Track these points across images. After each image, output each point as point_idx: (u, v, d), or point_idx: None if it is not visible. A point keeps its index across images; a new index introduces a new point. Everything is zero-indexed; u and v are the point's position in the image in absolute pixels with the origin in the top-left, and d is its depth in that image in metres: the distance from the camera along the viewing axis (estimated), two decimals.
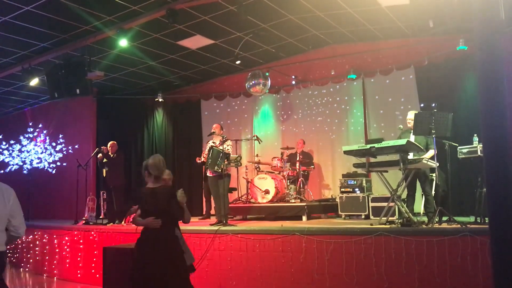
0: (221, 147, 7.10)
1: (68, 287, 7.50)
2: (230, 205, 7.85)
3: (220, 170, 6.87)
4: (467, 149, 5.97)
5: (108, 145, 8.58)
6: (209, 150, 7.21)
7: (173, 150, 11.81)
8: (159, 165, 4.14)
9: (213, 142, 7.45)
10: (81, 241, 7.88)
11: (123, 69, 10.00)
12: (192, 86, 11.66)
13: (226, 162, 6.97)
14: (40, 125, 11.61)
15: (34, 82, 9.00)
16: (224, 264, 6.20)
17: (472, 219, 6.06)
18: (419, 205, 7.13)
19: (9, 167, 11.12)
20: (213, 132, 7.59)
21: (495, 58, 2.65)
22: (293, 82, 10.33)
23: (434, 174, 6.33)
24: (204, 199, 9.93)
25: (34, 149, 11.18)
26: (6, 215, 3.49)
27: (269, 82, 9.33)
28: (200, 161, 9.09)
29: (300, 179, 8.82)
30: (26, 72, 8.56)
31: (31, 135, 11.41)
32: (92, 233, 7.72)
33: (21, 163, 11.09)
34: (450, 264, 4.88)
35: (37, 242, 8.88)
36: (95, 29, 7.67)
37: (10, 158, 11.18)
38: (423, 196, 6.59)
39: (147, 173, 4.16)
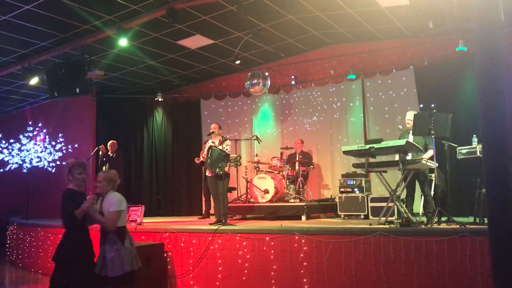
0: (220, 147, 7.10)
1: None
2: (229, 205, 7.86)
3: (221, 172, 6.87)
4: (466, 150, 5.98)
5: (108, 144, 8.59)
6: (208, 150, 7.22)
7: (172, 150, 11.81)
8: (66, 166, 4.26)
9: (212, 142, 7.45)
10: None
11: (123, 69, 10.00)
12: (192, 86, 11.67)
13: (228, 164, 7.00)
14: (40, 124, 11.59)
15: (34, 81, 9.00)
16: (223, 263, 6.20)
17: (471, 219, 6.07)
18: (418, 205, 7.14)
19: (9, 166, 11.10)
20: (213, 131, 7.59)
21: (495, 59, 2.66)
22: (293, 82, 10.33)
23: (433, 175, 6.34)
24: (203, 199, 9.93)
25: (33, 148, 11.16)
26: None
27: (268, 82, 9.34)
28: (198, 162, 9.09)
29: (299, 179, 8.84)
30: (26, 71, 8.57)
31: (30, 134, 11.39)
32: (91, 232, 7.70)
33: (21, 162, 11.07)
34: (449, 264, 4.89)
35: (37, 241, 8.88)
36: (95, 28, 7.67)
37: (10, 157, 11.16)
38: (422, 197, 6.60)
39: None
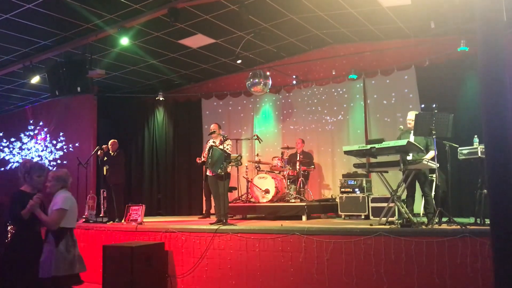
0: (221, 147, 7.10)
1: None
2: (230, 205, 7.86)
3: (222, 173, 6.87)
4: (468, 150, 5.96)
5: (109, 143, 8.58)
6: (209, 150, 7.23)
7: (173, 149, 11.80)
8: (25, 167, 4.25)
9: (213, 142, 7.44)
10: (81, 239, 7.88)
11: (124, 68, 10.00)
12: (193, 85, 11.67)
13: (228, 164, 7.01)
14: (40, 123, 11.61)
15: (35, 80, 8.99)
16: (223, 263, 6.20)
17: (472, 220, 6.05)
18: (419, 205, 7.13)
19: (10, 165, 11.13)
20: (213, 131, 7.58)
21: (497, 59, 2.66)
22: (294, 82, 10.33)
23: (434, 175, 6.33)
24: (204, 198, 9.93)
25: (34, 146, 11.19)
26: None
27: (269, 82, 9.33)
28: (200, 162, 9.09)
29: (300, 179, 8.83)
30: (27, 69, 8.56)
31: (31, 133, 11.41)
32: (92, 231, 7.73)
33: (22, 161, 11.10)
34: (450, 265, 4.88)
35: None
36: (97, 27, 7.67)
37: (11, 156, 11.19)
38: (423, 197, 6.59)
39: None
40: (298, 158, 9.16)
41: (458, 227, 5.21)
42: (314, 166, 9.52)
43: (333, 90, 9.99)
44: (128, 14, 7.30)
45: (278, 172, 9.21)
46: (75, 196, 9.47)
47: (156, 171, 11.72)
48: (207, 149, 7.42)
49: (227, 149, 7.12)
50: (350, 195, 8.02)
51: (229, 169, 7.15)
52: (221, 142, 7.24)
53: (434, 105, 6.03)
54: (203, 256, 6.36)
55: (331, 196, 9.39)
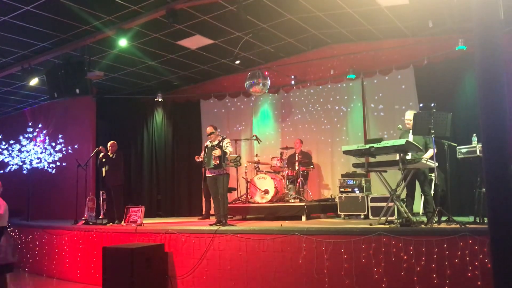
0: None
1: (67, 287, 7.50)
2: (229, 205, 7.86)
3: (217, 163, 6.89)
4: (466, 149, 5.97)
5: (108, 145, 8.57)
6: (204, 151, 7.27)
7: (172, 150, 11.80)
8: None
9: (210, 142, 7.44)
10: (80, 241, 7.88)
11: (122, 69, 10.00)
12: (192, 86, 11.67)
13: (226, 164, 7.04)
14: (39, 125, 11.60)
15: (34, 82, 9.00)
16: (223, 264, 6.20)
17: (471, 219, 6.06)
18: (418, 205, 7.13)
19: (9, 167, 11.11)
20: (212, 132, 7.55)
21: (495, 58, 2.66)
22: (293, 82, 10.33)
23: (433, 174, 6.33)
24: (203, 199, 9.92)
25: (33, 149, 11.17)
26: None
27: (268, 82, 9.33)
28: (198, 160, 9.09)
29: (299, 179, 8.83)
30: (26, 72, 8.57)
31: (30, 135, 11.40)
32: (92, 233, 7.73)
33: (21, 163, 11.08)
34: (449, 264, 4.88)
35: (37, 242, 8.88)
36: (95, 29, 7.67)
37: (10, 158, 11.17)
38: (422, 196, 6.59)
39: None
40: (297, 158, 9.16)
41: (458, 226, 5.22)
42: (313, 166, 9.52)
43: (331, 90, 9.99)
44: (126, 16, 7.30)
45: (277, 172, 9.21)
46: (74, 197, 9.55)
47: (156, 172, 11.72)
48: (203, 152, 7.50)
49: (226, 146, 7.13)
50: (349, 194, 8.03)
51: (227, 169, 7.17)
52: (219, 143, 7.25)
53: (432, 104, 6.03)
54: (203, 257, 6.36)
55: (331, 196, 9.39)
